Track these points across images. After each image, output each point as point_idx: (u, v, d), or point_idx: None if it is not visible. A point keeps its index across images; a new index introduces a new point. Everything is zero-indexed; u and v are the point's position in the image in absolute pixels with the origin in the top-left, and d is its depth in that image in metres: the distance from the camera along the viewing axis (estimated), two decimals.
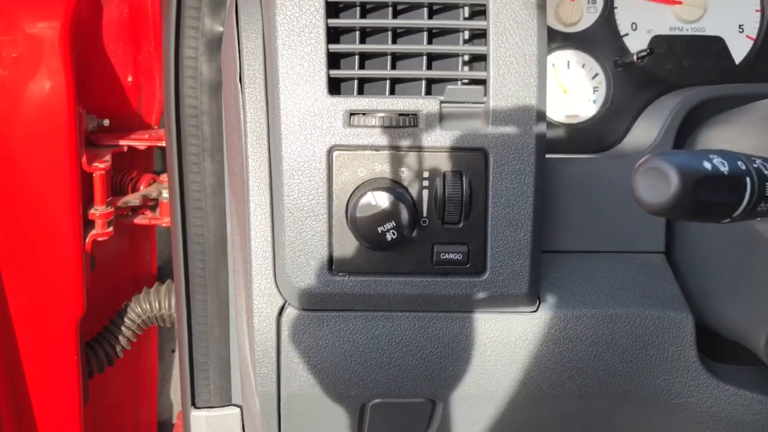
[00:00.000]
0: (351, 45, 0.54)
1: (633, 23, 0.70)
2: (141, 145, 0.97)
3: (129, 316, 1.04)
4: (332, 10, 0.54)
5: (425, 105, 0.53)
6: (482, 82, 0.54)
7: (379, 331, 0.56)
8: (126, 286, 1.12)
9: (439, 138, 0.53)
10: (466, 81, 0.56)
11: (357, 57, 0.55)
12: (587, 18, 0.70)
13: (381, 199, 0.50)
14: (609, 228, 0.62)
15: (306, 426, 0.62)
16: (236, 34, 0.57)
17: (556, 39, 0.69)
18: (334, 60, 0.55)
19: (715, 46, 0.71)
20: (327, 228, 0.53)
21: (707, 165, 0.34)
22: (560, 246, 0.61)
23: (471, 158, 0.53)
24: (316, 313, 0.56)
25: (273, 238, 0.55)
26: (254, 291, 0.55)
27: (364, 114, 0.53)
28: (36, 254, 0.87)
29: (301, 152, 0.52)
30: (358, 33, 0.55)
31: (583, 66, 0.69)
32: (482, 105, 0.54)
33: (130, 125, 1.00)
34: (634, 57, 0.66)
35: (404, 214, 0.51)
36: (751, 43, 0.71)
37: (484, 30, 0.54)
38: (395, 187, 0.52)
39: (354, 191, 0.53)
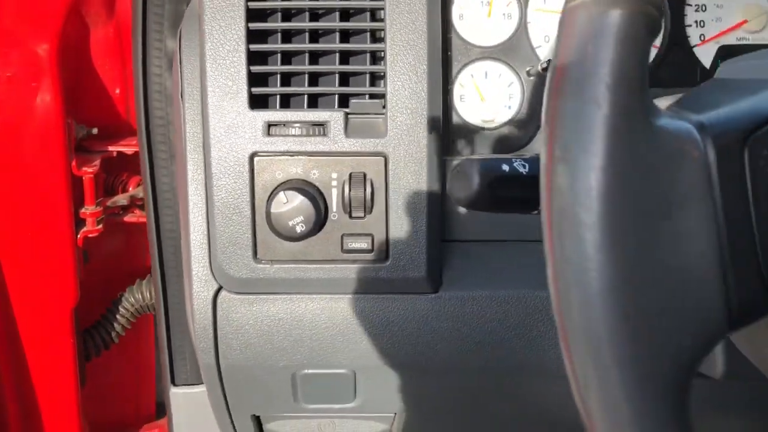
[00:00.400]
0: (271, 66, 0.63)
1: (546, 36, 0.78)
2: (129, 150, 1.07)
3: (123, 306, 1.14)
4: (256, 35, 0.63)
5: (333, 116, 0.62)
6: (383, 96, 0.63)
7: (300, 311, 0.66)
8: (123, 279, 1.23)
9: (345, 144, 0.62)
10: (380, 95, 0.65)
11: (279, 76, 0.64)
12: (503, 32, 0.78)
13: (291, 197, 0.60)
14: (511, 219, 0.70)
15: (247, 393, 0.71)
16: (179, 56, 0.67)
17: (474, 52, 0.77)
18: (262, 78, 0.64)
19: None
20: (251, 223, 0.62)
21: (505, 167, 0.43)
22: (465, 236, 0.69)
23: (373, 161, 0.62)
24: (246, 295, 0.65)
25: (208, 232, 0.65)
26: (193, 277, 0.65)
27: (284, 125, 0.62)
28: (33, 249, 0.98)
29: (227, 158, 0.62)
30: (279, 56, 0.64)
31: (500, 76, 0.77)
32: (383, 116, 0.63)
33: (119, 132, 1.10)
34: (539, 68, 0.74)
35: (311, 210, 0.60)
36: (655, 51, 0.79)
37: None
38: (305, 187, 0.61)
39: (273, 191, 0.62)
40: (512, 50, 0.78)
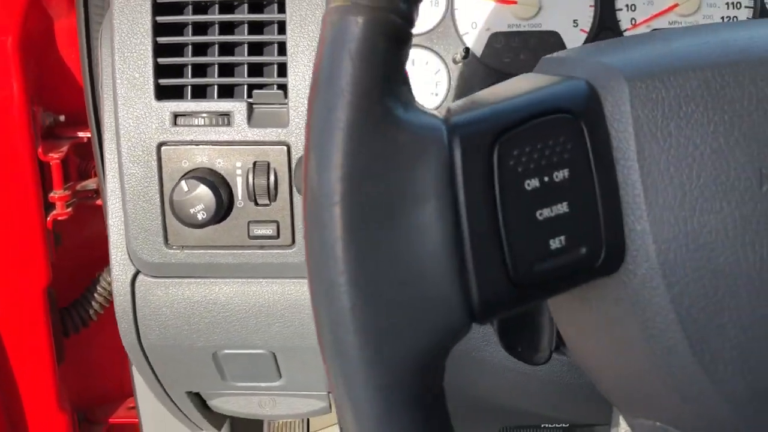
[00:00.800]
0: (178, 58, 0.65)
1: (473, 23, 0.79)
2: None
3: (101, 285, 1.19)
4: (168, 28, 0.66)
5: (236, 107, 0.64)
6: (285, 86, 0.65)
7: (214, 295, 0.68)
8: (102, 261, 1.28)
9: (249, 134, 0.64)
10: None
11: (190, 67, 0.66)
12: (430, 20, 0.78)
13: (192, 186, 0.62)
14: None
15: (176, 372, 0.75)
16: (100, 48, 0.70)
17: None
18: (177, 70, 0.66)
19: (551, 39, 0.78)
20: (160, 211, 0.65)
21: None
22: None
23: (276, 150, 0.64)
24: (161, 279, 0.68)
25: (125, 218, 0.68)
26: (112, 261, 0.69)
27: (190, 115, 0.65)
28: (2, 232, 1.03)
29: (136, 148, 0.65)
30: (191, 47, 0.66)
31: (426, 63, 0.78)
32: (285, 106, 0.65)
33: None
34: (458, 56, 0.75)
35: (211, 198, 0.62)
36: (584, 35, 0.78)
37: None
38: (208, 176, 0.63)
39: (179, 180, 0.64)
40: (439, 37, 0.78)
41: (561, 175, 0.33)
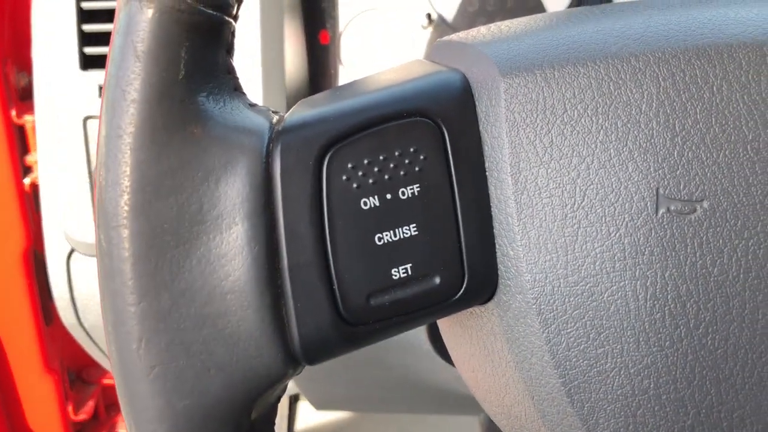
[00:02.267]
0: (104, 25, 0.61)
1: None
2: None
3: None
4: None
5: None
6: None
7: None
8: None
9: None
10: None
11: None
12: None
13: None
14: None
15: None
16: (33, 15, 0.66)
17: (365, 4, 0.72)
18: (105, 38, 0.62)
19: (530, 2, 0.71)
20: (89, 188, 0.62)
21: None
22: None
23: None
24: (94, 257, 0.65)
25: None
26: (46, 239, 0.66)
27: None
28: None
29: (61, 121, 0.61)
30: None
31: (392, 28, 0.72)
32: None
33: None
34: (424, 23, 0.68)
35: None
36: (567, 2, 0.71)
37: None
38: None
39: None
40: (406, 2, 0.72)
41: (409, 191, 0.28)
